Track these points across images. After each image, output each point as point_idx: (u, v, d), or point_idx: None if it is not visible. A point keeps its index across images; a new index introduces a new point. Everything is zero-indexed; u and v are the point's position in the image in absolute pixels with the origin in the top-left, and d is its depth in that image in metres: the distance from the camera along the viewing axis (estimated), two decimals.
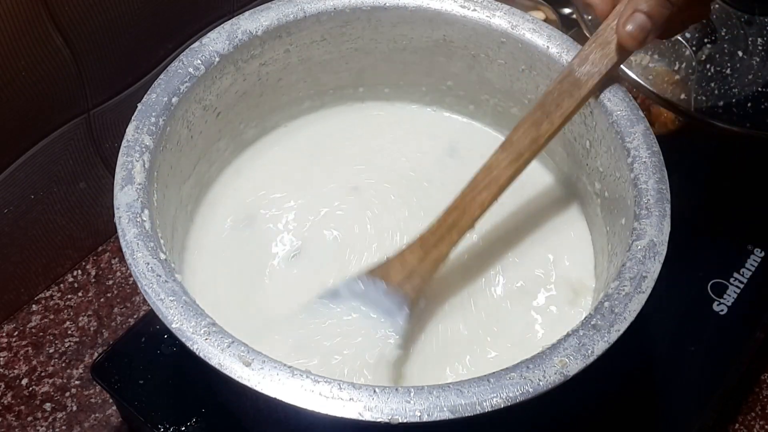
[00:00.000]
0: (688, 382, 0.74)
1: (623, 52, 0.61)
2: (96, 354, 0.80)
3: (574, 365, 0.50)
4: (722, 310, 0.77)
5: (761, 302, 0.79)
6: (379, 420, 0.47)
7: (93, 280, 0.86)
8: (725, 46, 0.75)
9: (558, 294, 0.67)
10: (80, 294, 0.85)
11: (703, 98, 0.74)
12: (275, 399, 0.48)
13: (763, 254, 0.81)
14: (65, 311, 0.84)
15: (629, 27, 0.58)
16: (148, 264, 0.53)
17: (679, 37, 0.78)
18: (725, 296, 0.78)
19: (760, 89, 0.76)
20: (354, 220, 0.71)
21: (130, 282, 0.86)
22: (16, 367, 0.80)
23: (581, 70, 0.62)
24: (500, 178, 0.61)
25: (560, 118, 0.62)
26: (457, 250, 0.64)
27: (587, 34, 0.78)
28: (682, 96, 0.74)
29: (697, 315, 0.77)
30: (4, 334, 0.82)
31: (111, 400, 0.78)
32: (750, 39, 0.76)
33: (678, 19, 0.60)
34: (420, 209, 0.71)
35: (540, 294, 0.67)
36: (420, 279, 0.62)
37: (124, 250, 0.53)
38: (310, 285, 0.66)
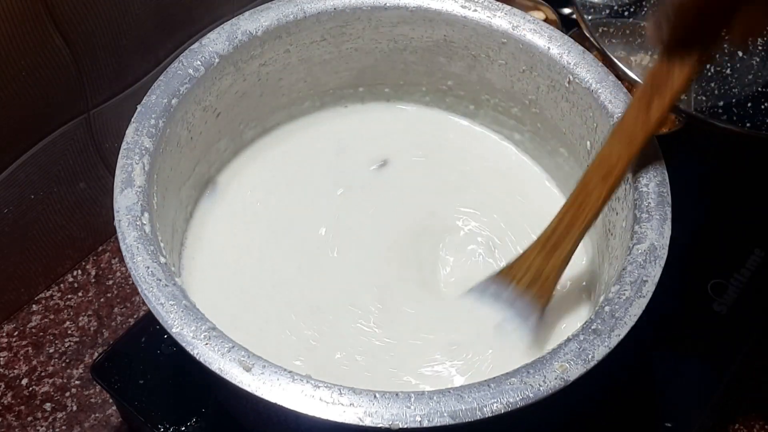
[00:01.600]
0: (688, 382, 0.74)
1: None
2: (96, 354, 0.80)
3: (575, 370, 0.50)
4: (722, 310, 0.77)
5: (761, 302, 0.79)
6: (379, 425, 0.47)
7: (93, 280, 0.86)
8: (725, 46, 0.75)
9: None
10: (80, 294, 0.85)
11: (703, 98, 0.74)
12: (275, 404, 0.48)
13: (763, 254, 0.81)
14: (65, 311, 0.84)
15: None
16: (149, 268, 0.53)
17: None
18: (725, 296, 0.78)
19: (760, 89, 0.75)
20: (355, 220, 0.71)
21: (130, 282, 0.86)
22: (16, 367, 0.80)
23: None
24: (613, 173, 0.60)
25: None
26: (452, 253, 0.64)
27: (587, 35, 0.78)
28: (683, 96, 0.73)
29: (697, 315, 0.77)
30: (4, 334, 0.82)
31: (111, 400, 0.78)
32: (750, 39, 0.76)
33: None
34: (419, 209, 0.71)
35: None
36: (547, 282, 0.62)
37: (124, 254, 0.53)
38: (310, 283, 0.66)
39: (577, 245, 0.61)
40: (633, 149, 0.58)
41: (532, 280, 0.62)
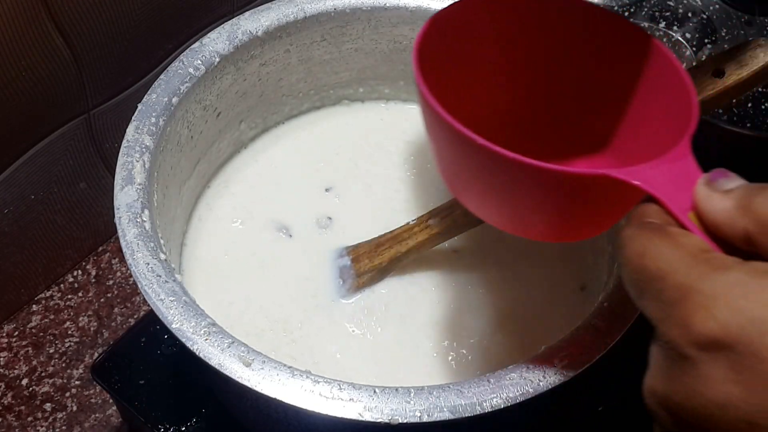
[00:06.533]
0: None
1: None
2: (96, 354, 0.80)
3: (574, 366, 0.50)
4: None
5: None
6: (379, 420, 0.47)
7: (93, 280, 0.86)
8: (725, 46, 0.75)
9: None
10: (80, 294, 0.85)
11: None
12: (275, 399, 0.48)
13: None
14: (65, 311, 0.84)
15: None
16: (148, 264, 0.53)
17: (679, 37, 0.78)
18: None
19: (760, 89, 0.76)
20: (354, 220, 0.71)
21: (130, 282, 0.86)
22: (17, 367, 0.80)
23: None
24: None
25: None
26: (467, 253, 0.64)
27: None
28: None
29: None
30: (4, 334, 0.82)
31: (111, 400, 0.78)
32: (750, 39, 0.76)
33: None
34: (420, 210, 0.71)
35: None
36: (376, 274, 0.66)
37: (124, 251, 0.53)
38: (308, 281, 0.66)
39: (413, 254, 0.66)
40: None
41: (367, 268, 0.66)
